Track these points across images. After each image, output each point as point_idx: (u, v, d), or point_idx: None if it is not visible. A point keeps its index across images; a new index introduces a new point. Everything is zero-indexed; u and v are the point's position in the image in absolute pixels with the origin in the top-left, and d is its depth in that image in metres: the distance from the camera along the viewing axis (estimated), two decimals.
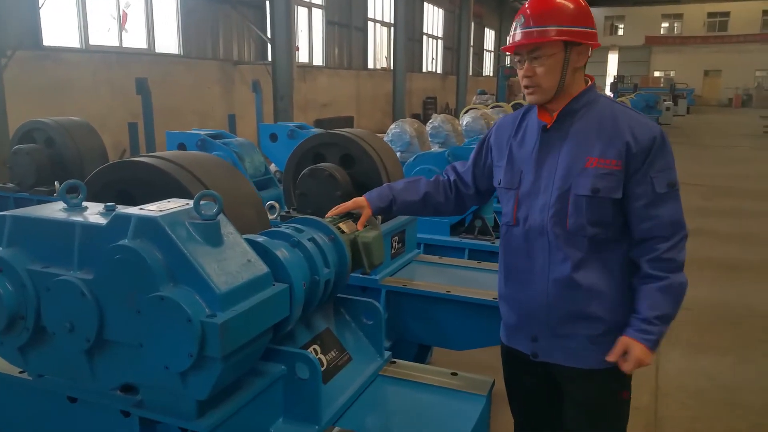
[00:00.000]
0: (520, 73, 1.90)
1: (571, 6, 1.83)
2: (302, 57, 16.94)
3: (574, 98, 1.88)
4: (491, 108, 10.82)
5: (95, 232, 1.47)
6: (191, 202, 1.53)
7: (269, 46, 13.79)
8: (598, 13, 41.25)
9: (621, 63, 44.16)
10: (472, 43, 29.73)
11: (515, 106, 11.86)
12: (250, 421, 1.66)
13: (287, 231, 1.86)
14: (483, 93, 22.40)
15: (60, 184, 4.02)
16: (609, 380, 1.92)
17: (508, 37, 1.96)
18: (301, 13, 16.92)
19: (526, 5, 1.87)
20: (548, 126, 1.91)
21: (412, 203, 2.22)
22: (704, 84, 42.56)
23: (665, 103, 24.06)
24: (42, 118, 4.30)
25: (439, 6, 26.70)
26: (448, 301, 3.10)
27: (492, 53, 36.42)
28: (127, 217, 1.44)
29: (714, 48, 41.70)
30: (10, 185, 4.21)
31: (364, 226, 2.10)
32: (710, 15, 42.07)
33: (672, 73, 41.07)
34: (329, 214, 2.12)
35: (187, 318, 1.34)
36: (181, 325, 1.35)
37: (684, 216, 1.87)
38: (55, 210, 1.59)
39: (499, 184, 2.05)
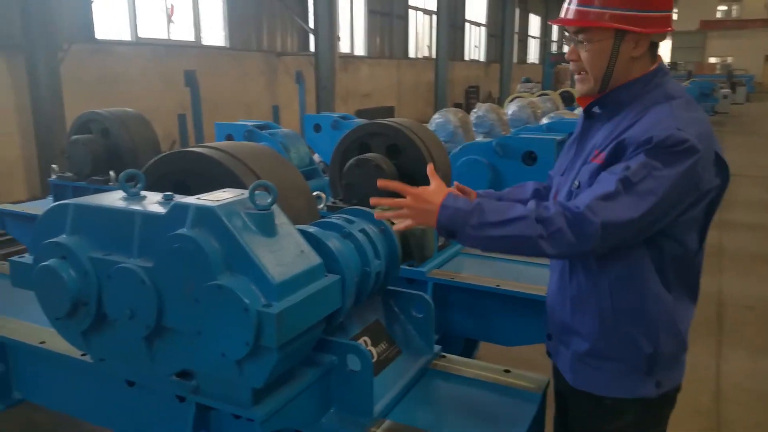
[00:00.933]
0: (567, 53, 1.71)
1: None
2: (344, 47, 16.97)
3: (623, 85, 1.62)
4: (538, 96, 10.62)
5: (155, 221, 1.50)
6: (246, 192, 1.55)
7: (312, 36, 13.85)
8: None
9: (675, 49, 42.51)
10: (516, 30, 29.25)
11: (563, 95, 11.59)
12: (303, 411, 1.68)
13: (338, 222, 1.86)
14: (528, 81, 21.97)
15: (115, 174, 4.14)
16: (596, 408, 1.70)
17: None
18: (343, 2, 16.93)
19: None
20: (588, 112, 1.74)
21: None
22: (765, 70, 40.69)
23: (722, 90, 23.11)
24: (98, 109, 4.43)
25: None
26: (497, 296, 3.05)
27: (537, 39, 35.70)
28: (186, 207, 1.46)
29: None
30: (69, 174, 4.37)
31: None
32: None
33: (729, 59, 39.36)
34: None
35: (244, 307, 1.36)
36: (238, 314, 1.37)
37: (619, 219, 1.45)
38: (115, 199, 1.63)
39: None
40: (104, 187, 4.10)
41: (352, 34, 17.67)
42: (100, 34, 9.92)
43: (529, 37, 34.50)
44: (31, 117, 8.08)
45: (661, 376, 1.64)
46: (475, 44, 26.99)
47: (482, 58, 27.76)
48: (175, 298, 1.47)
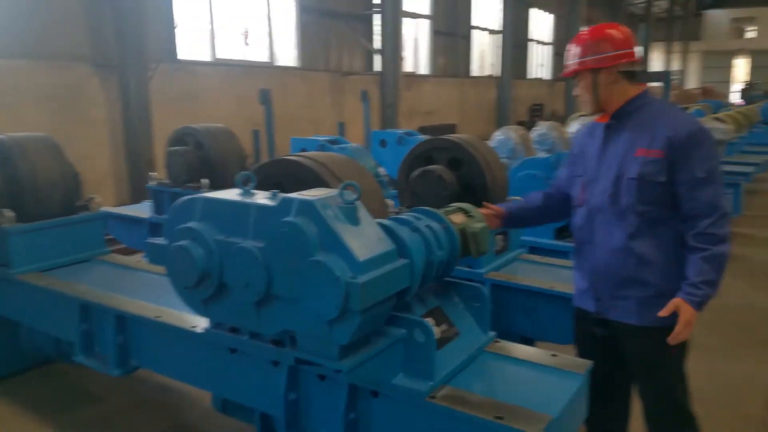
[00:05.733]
0: None
1: (588, 40, 2.32)
2: (407, 66, 17.47)
3: (627, 102, 2.31)
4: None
5: (266, 211, 1.91)
6: (336, 191, 1.94)
7: (376, 57, 14.40)
8: (722, 15, 38.73)
9: (754, 68, 40.69)
10: None
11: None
12: (378, 371, 2.04)
13: (408, 218, 2.22)
14: None
15: (207, 181, 4.66)
16: (660, 336, 2.21)
17: None
18: (408, 24, 17.46)
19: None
20: (608, 125, 2.36)
21: (532, 208, 2.74)
22: None
23: None
24: (192, 124, 5.01)
25: (547, 10, 26.36)
26: (550, 296, 3.32)
27: None
28: (291, 200, 1.86)
29: None
30: (167, 181, 4.94)
31: (471, 217, 2.43)
32: None
33: None
34: None
35: (336, 278, 1.74)
36: (331, 284, 1.74)
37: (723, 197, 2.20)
38: (234, 194, 2.05)
39: (572, 173, 2.52)
40: (197, 193, 4.62)
41: (416, 53, 18.15)
42: (182, 54, 10.75)
43: None
44: (121, 130, 8.87)
45: None
46: (540, 63, 27.00)
47: (548, 76, 27.72)
48: (281, 271, 1.86)
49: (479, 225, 2.41)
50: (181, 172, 4.75)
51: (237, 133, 5.20)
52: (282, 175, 2.43)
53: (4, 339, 3.73)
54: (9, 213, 3.32)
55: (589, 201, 2.38)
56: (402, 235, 2.06)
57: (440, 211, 2.41)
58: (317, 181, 2.37)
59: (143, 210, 5.39)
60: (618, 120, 2.33)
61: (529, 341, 3.93)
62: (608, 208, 2.30)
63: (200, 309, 2.16)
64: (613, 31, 2.32)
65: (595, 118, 2.44)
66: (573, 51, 2.36)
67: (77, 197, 3.66)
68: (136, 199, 8.06)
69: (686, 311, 2.14)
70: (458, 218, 2.44)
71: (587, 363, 2.28)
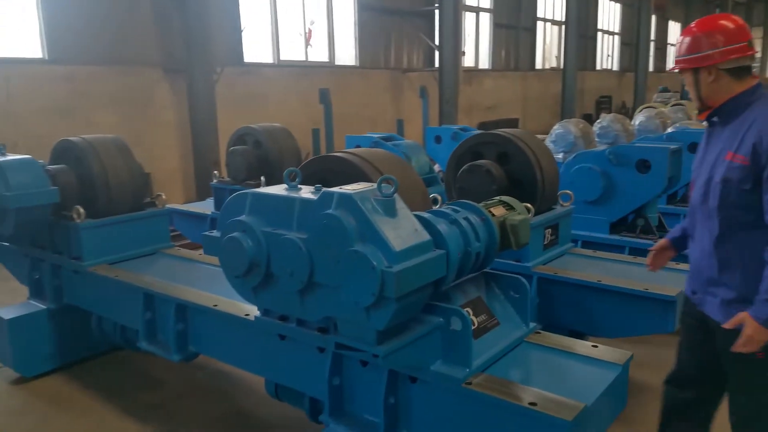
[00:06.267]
0: None
1: (691, 35, 2.26)
2: (468, 61, 17.36)
3: (728, 100, 2.24)
4: (672, 106, 10.30)
5: (309, 205, 2.03)
6: (375, 185, 2.03)
7: (436, 52, 14.42)
8: None
9: None
10: (653, 38, 27.98)
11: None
12: (416, 357, 2.13)
13: (447, 211, 2.30)
14: (665, 90, 20.92)
15: (265, 178, 4.87)
16: None
17: None
18: (469, 18, 17.35)
19: None
20: (710, 123, 2.35)
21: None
22: None
23: None
24: (248, 124, 5.24)
25: (615, 0, 25.54)
26: (597, 290, 3.31)
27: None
28: (331, 194, 1.97)
29: None
30: (227, 179, 5.19)
31: (512, 209, 2.47)
32: None
33: None
34: None
35: (372, 267, 1.83)
36: (368, 272, 1.84)
37: None
38: (280, 189, 2.18)
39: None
40: None
41: (477, 48, 18.02)
42: (248, 57, 11.14)
43: (668, 45, 32.80)
44: (189, 131, 9.31)
45: None
46: (608, 53, 26.20)
47: (616, 68, 26.87)
48: (322, 260, 1.98)
49: (519, 217, 2.45)
50: (240, 170, 4.98)
51: (299, 132, 5.39)
52: (327, 171, 2.55)
53: (77, 327, 4.03)
54: (81, 210, 3.59)
55: (692, 198, 2.41)
56: (438, 227, 2.13)
57: (481, 204, 2.47)
58: (360, 176, 2.47)
59: (207, 207, 5.67)
60: (719, 118, 2.29)
61: (580, 335, 3.92)
62: (700, 209, 2.32)
63: (250, 297, 2.30)
64: (717, 27, 2.21)
65: (698, 115, 2.42)
66: (678, 46, 2.33)
67: (145, 194, 3.92)
68: (202, 196, 8.46)
69: (749, 326, 2.07)
70: (498, 211, 2.49)
71: (627, 354, 2.29)
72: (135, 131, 8.67)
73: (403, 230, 1.95)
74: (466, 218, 2.29)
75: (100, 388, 3.86)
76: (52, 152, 3.90)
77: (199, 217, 5.49)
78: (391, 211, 1.97)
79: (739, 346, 2.10)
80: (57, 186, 3.56)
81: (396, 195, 2.01)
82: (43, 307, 3.96)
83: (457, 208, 2.35)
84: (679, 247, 2.66)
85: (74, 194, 3.70)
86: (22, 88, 7.62)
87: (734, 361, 2.25)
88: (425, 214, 2.19)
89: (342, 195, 1.95)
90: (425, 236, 2.01)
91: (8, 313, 3.91)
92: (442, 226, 2.16)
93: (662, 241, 2.70)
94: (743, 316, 2.09)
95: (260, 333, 2.64)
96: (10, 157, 3.58)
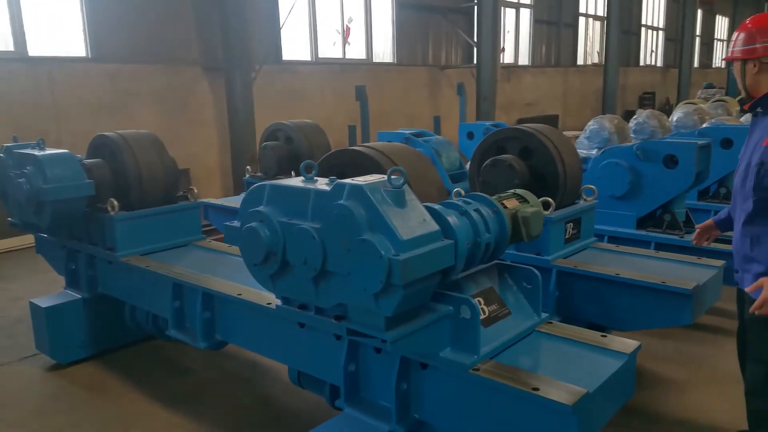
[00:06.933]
0: None
1: (744, 29, 2.54)
2: (507, 57, 17.24)
3: (766, 94, 2.49)
4: (713, 102, 10.03)
5: (323, 195, 2.12)
6: (385, 176, 2.11)
7: (475, 49, 14.37)
8: None
9: None
10: (699, 33, 27.20)
11: (741, 101, 10.77)
12: (427, 344, 2.21)
13: (458, 203, 2.36)
14: (710, 86, 20.34)
15: (295, 173, 5.00)
16: None
17: None
18: (509, 14, 17.21)
19: None
20: (753, 113, 2.60)
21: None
22: None
23: None
24: (283, 120, 5.38)
25: None
26: (615, 283, 3.32)
27: (724, 43, 32.73)
28: (343, 185, 2.06)
29: None
30: (259, 174, 5.36)
31: (525, 202, 2.52)
32: None
33: None
34: None
35: (380, 255, 1.91)
36: (376, 260, 1.92)
37: None
38: (297, 181, 2.29)
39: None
40: None
41: (517, 44, 17.87)
42: (286, 55, 11.34)
43: (715, 41, 31.80)
44: (228, 128, 9.55)
45: None
46: (652, 49, 25.59)
47: (660, 63, 26.22)
48: (334, 249, 2.07)
49: (531, 210, 2.49)
50: (272, 165, 5.14)
51: (336, 129, 5.51)
52: (344, 164, 2.65)
53: (111, 316, 4.20)
54: (115, 202, 3.76)
55: (734, 183, 2.67)
56: (448, 218, 2.20)
57: (494, 197, 2.53)
58: (376, 168, 2.55)
59: (239, 201, 5.83)
60: (762, 108, 2.52)
61: (600, 328, 3.92)
62: (740, 192, 2.56)
63: (268, 284, 2.41)
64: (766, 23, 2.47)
65: (744, 106, 2.66)
66: (733, 38, 2.59)
67: (177, 188, 4.08)
68: (239, 192, 8.68)
69: (767, 289, 2.29)
70: (512, 203, 2.54)
71: (635, 344, 2.31)
72: (175, 128, 8.96)
73: (411, 220, 2.02)
74: (477, 210, 2.35)
75: (132, 376, 4.03)
76: (88, 147, 4.08)
77: (230, 211, 5.66)
78: (400, 202, 2.05)
79: (756, 307, 2.31)
80: (92, 179, 3.73)
81: (406, 186, 2.08)
82: (79, 296, 4.14)
83: (469, 200, 2.42)
84: (722, 228, 2.97)
85: (109, 187, 3.86)
86: (65, 86, 7.94)
87: (754, 329, 2.52)
88: (435, 206, 2.26)
89: (353, 186, 2.04)
90: (433, 226, 2.08)
91: (45, 302, 4.11)
92: (452, 218, 2.22)
93: (707, 221, 3.02)
94: (763, 280, 2.34)
95: (281, 321, 2.74)
96: (49, 151, 3.76)
